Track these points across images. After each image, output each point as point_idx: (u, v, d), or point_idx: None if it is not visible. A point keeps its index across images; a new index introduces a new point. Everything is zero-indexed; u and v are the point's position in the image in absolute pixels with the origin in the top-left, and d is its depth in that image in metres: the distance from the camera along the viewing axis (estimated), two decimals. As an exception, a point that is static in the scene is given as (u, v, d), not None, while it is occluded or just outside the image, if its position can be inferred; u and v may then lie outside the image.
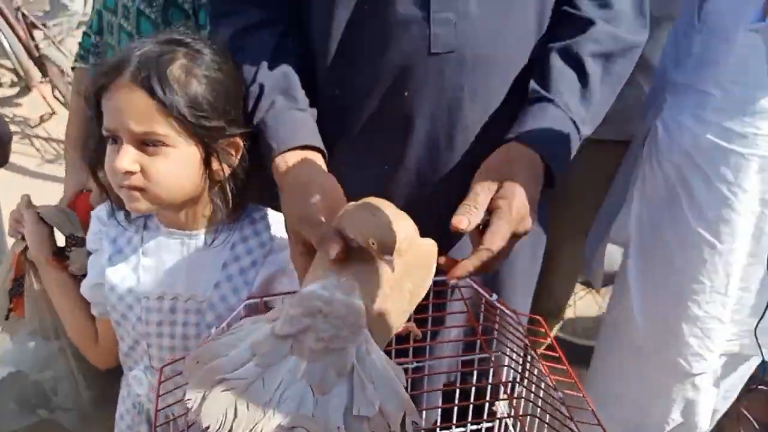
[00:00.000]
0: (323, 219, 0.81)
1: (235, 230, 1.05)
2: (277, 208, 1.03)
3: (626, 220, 1.39)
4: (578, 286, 2.27)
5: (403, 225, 0.75)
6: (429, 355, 0.98)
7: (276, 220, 1.07)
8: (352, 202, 0.79)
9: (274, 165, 0.94)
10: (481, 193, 0.87)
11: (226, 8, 1.08)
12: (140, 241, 1.07)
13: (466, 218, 0.84)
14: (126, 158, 0.93)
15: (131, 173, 0.94)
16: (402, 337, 0.87)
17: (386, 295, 0.73)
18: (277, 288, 1.03)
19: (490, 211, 0.87)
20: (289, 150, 0.94)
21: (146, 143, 0.94)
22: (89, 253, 1.13)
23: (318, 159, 0.95)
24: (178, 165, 0.96)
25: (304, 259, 0.84)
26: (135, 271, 1.06)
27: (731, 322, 1.32)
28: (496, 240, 0.84)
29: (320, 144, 0.97)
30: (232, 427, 0.63)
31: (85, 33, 1.40)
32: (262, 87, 0.99)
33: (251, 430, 0.62)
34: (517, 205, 0.86)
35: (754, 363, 1.43)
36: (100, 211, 1.11)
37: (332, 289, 0.71)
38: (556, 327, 2.20)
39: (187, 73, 0.94)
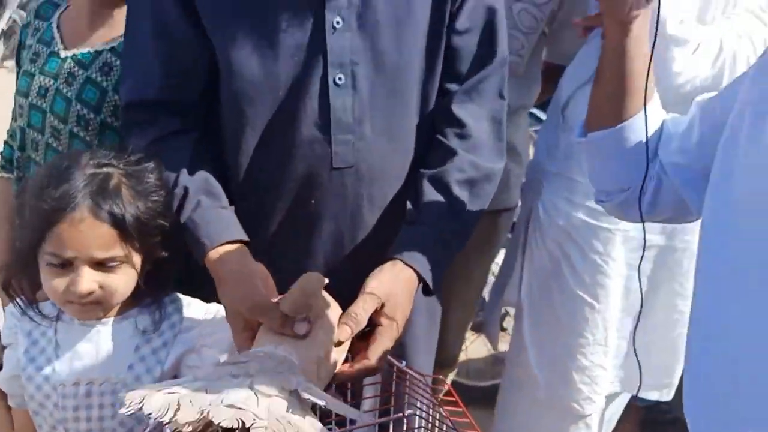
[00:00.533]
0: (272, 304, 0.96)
1: (146, 314, 1.11)
2: (184, 292, 1.14)
3: (518, 287, 1.60)
4: (468, 332, 2.48)
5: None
6: (349, 424, 1.05)
7: (186, 303, 1.14)
8: (292, 289, 0.96)
9: (207, 258, 1.04)
10: (365, 306, 1.00)
11: (139, 119, 1.15)
12: (54, 332, 1.10)
13: (349, 329, 0.98)
14: (87, 282, 0.99)
15: (92, 292, 1.00)
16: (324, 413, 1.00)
17: (317, 358, 0.92)
18: (187, 365, 1.11)
19: (373, 325, 1.01)
20: (221, 245, 1.05)
21: (103, 263, 1.00)
22: (4, 347, 1.15)
23: (248, 252, 1.06)
24: (132, 273, 1.04)
25: (248, 338, 0.97)
26: (51, 361, 1.09)
27: (612, 367, 1.56)
28: (378, 353, 0.99)
29: (246, 238, 1.08)
30: (176, 415, 0.73)
31: (6, 143, 1.38)
32: (186, 189, 1.08)
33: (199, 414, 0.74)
34: (399, 323, 1.02)
35: (628, 395, 1.70)
36: (14, 307, 1.13)
37: (273, 350, 0.90)
38: (451, 375, 2.38)
39: (137, 195, 1.02)
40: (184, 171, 1.10)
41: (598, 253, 1.47)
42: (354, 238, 1.16)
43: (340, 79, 1.07)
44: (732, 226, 0.77)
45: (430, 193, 1.13)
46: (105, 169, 1.02)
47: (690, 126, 0.95)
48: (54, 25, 1.31)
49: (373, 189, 1.13)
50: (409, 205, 1.14)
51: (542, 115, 2.40)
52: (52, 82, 1.27)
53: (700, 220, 0.86)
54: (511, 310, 1.98)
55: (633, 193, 0.98)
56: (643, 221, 0.99)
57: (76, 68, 1.26)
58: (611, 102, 0.97)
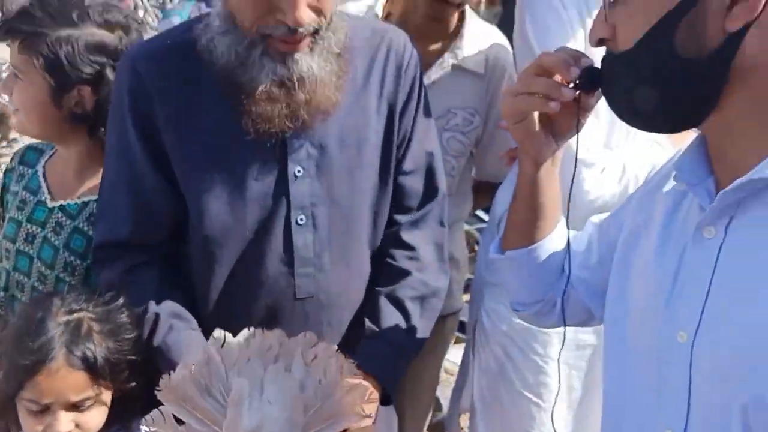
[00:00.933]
0: None
1: None
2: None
3: (470, 390, 1.71)
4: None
5: None
6: None
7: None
8: None
9: None
10: None
11: (109, 256, 1.25)
12: None
13: None
14: (64, 424, 1.07)
15: None
16: None
17: None
18: None
19: None
20: None
21: (78, 405, 1.08)
22: None
23: None
24: (103, 409, 1.13)
25: None
26: None
27: (561, 462, 1.67)
28: None
29: None
30: None
31: None
32: (157, 314, 1.19)
33: None
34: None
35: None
36: None
37: None
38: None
39: (107, 336, 1.12)
40: (154, 298, 1.20)
41: (538, 355, 1.60)
42: None
43: (301, 219, 1.22)
44: (625, 336, 0.91)
45: (387, 310, 1.27)
46: (76, 315, 1.12)
47: (589, 245, 1.10)
48: (40, 174, 1.41)
49: (332, 315, 1.26)
50: (367, 321, 1.27)
51: (485, 216, 2.64)
52: (39, 230, 1.36)
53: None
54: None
55: (546, 305, 1.11)
56: (565, 326, 1.11)
57: (63, 218, 1.36)
58: (525, 224, 1.09)
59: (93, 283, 1.33)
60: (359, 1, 1.72)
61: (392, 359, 1.26)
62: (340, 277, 1.27)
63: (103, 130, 1.32)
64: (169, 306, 1.21)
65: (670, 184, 0.90)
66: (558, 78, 0.91)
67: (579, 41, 1.39)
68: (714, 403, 0.77)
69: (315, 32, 1.11)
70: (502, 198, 1.63)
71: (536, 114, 0.97)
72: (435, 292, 1.34)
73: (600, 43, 0.83)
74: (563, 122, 0.97)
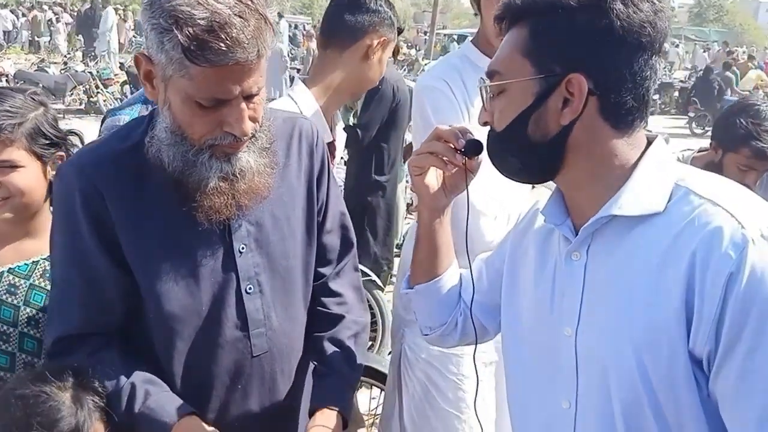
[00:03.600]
0: None
1: None
2: None
3: (398, 420, 2.00)
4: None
5: None
6: None
7: None
8: None
9: None
10: None
11: (68, 347, 1.33)
12: None
13: None
14: None
15: None
16: None
17: None
18: None
19: None
20: (182, 418, 1.28)
21: None
22: None
23: (201, 421, 1.31)
24: None
25: None
26: None
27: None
28: None
29: (195, 410, 1.32)
30: None
31: None
32: (132, 384, 1.29)
33: None
34: None
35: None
36: None
37: None
38: None
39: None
40: (123, 372, 1.31)
41: (454, 374, 1.92)
42: (274, 404, 1.46)
43: (250, 288, 1.38)
44: (520, 337, 1.24)
45: (331, 350, 1.51)
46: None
47: (480, 275, 1.39)
48: None
49: (283, 364, 1.47)
50: (315, 364, 1.50)
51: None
52: None
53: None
54: None
55: (448, 326, 1.41)
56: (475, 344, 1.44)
57: (15, 279, 1.50)
58: (427, 263, 1.38)
59: (27, 349, 1.45)
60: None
61: (345, 390, 1.49)
62: (286, 331, 1.45)
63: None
64: (140, 375, 1.31)
65: (538, 223, 1.26)
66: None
67: (465, 121, 1.80)
68: (595, 376, 1.06)
69: (252, 136, 1.27)
70: (408, 247, 1.98)
71: (434, 172, 1.32)
72: (364, 327, 1.60)
73: (485, 124, 1.15)
74: (454, 181, 1.32)
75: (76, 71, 11.74)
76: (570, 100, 1.02)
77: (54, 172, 1.50)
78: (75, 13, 21.95)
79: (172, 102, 1.22)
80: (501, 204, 1.87)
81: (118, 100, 12.05)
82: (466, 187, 1.30)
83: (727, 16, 51.13)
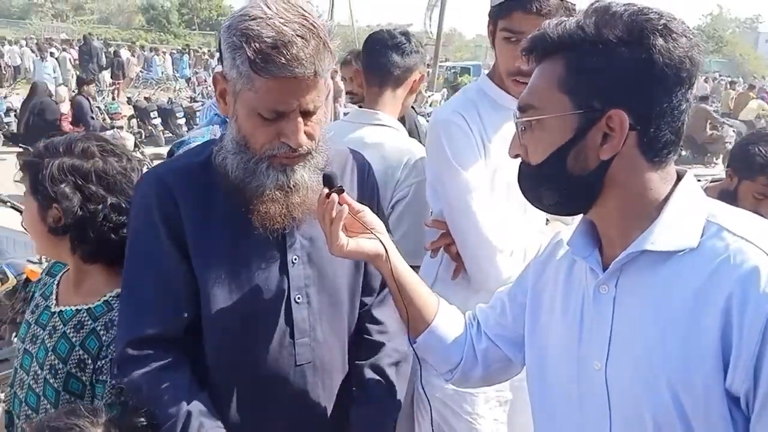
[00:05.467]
0: None
1: None
2: None
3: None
4: None
5: None
6: None
7: None
8: None
9: None
10: None
11: (139, 354, 1.38)
12: None
13: None
14: None
15: None
16: None
17: None
18: None
19: None
20: None
21: None
22: None
23: None
24: None
25: None
26: None
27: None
28: None
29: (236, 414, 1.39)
30: None
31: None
32: (189, 413, 1.33)
33: None
34: None
35: None
36: None
37: None
38: None
39: None
40: (185, 399, 1.35)
41: (468, 414, 1.91)
42: (311, 416, 1.49)
43: (299, 298, 1.45)
44: (546, 371, 1.23)
45: (371, 377, 1.54)
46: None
47: (503, 308, 1.40)
48: (55, 282, 1.60)
49: (325, 379, 1.50)
50: (355, 390, 1.53)
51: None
52: (41, 331, 1.52)
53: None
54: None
55: (466, 363, 1.41)
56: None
57: (58, 323, 1.52)
58: (414, 314, 1.39)
59: (72, 390, 1.47)
60: None
61: (382, 422, 1.51)
62: (329, 345, 1.50)
63: (83, 245, 1.52)
64: (197, 405, 1.36)
65: (560, 254, 1.27)
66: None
67: (482, 155, 1.83)
68: (629, 411, 1.06)
69: (308, 153, 1.37)
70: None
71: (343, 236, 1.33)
72: (405, 357, 1.61)
73: (516, 156, 1.16)
74: (349, 222, 1.34)
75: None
76: (610, 135, 1.03)
77: None
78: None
79: (239, 114, 1.35)
80: (517, 239, 1.88)
81: (131, 134, 12.20)
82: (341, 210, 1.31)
83: (727, 47, 51.71)
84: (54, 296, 1.60)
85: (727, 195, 2.33)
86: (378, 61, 2.24)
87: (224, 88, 1.37)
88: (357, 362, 1.57)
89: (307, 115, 1.33)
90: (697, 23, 56.77)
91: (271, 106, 1.30)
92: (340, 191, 1.32)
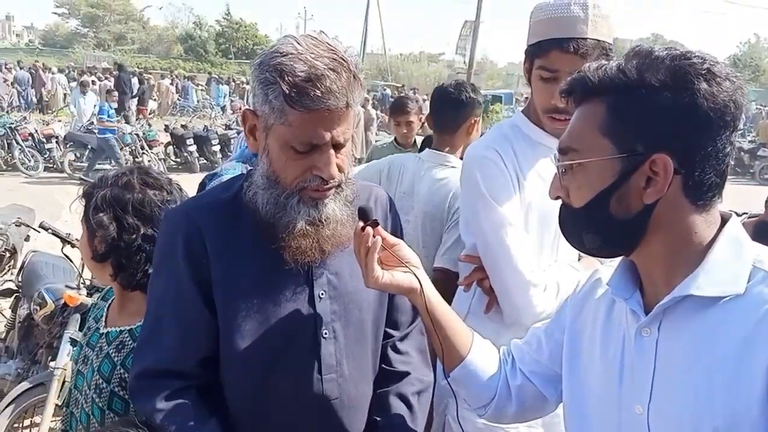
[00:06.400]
0: None
1: None
2: None
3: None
4: None
5: None
6: None
7: None
8: None
9: None
10: None
11: (150, 383, 1.38)
12: None
13: None
14: None
15: None
16: None
17: None
18: None
19: None
20: None
21: None
22: None
23: None
24: None
25: None
26: None
27: None
28: None
29: None
30: None
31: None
32: None
33: None
34: None
35: None
36: None
37: None
38: None
39: None
40: (194, 420, 1.35)
41: (498, 450, 1.88)
42: None
43: (326, 333, 1.44)
44: (584, 411, 1.22)
45: (395, 404, 1.54)
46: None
47: (539, 345, 1.39)
48: (106, 306, 1.67)
49: (351, 415, 1.50)
50: (378, 419, 1.53)
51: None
52: (90, 352, 1.58)
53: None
54: None
55: (500, 398, 1.39)
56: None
57: (104, 344, 1.57)
58: (448, 347, 1.38)
59: (115, 409, 1.51)
60: None
61: None
62: (355, 381, 1.49)
63: (121, 272, 1.60)
64: (212, 426, 1.36)
65: (599, 293, 1.26)
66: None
67: (516, 190, 1.84)
68: None
69: (338, 185, 1.39)
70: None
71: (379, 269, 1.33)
72: (428, 387, 1.62)
73: (557, 198, 1.15)
74: (384, 257, 1.36)
75: (123, 133, 12.13)
76: (654, 179, 1.02)
77: None
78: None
79: (270, 149, 1.36)
80: (550, 274, 1.87)
81: (162, 161, 12.44)
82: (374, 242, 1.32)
83: (764, 75, 50.92)
84: (104, 319, 1.67)
85: (764, 227, 2.29)
86: (441, 110, 2.79)
87: (254, 124, 1.38)
88: (379, 390, 1.57)
89: (337, 147, 1.34)
90: (733, 52, 56.17)
91: (305, 139, 1.31)
92: (375, 224, 1.34)
